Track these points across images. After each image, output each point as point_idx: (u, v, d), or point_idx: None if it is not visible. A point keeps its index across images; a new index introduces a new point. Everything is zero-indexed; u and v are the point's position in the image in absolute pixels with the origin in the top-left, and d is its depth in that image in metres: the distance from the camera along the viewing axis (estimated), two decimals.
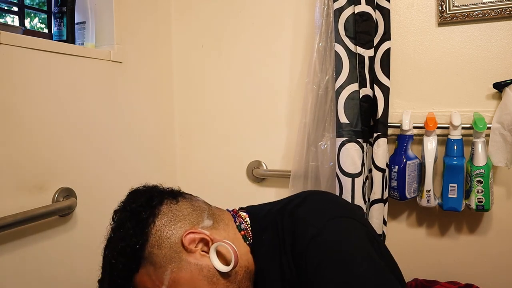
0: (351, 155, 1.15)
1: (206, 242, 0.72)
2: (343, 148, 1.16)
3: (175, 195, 0.78)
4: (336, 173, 1.18)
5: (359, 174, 1.15)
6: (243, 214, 0.81)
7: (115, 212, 0.77)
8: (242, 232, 0.78)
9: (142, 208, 0.73)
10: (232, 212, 0.82)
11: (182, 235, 0.71)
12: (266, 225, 0.77)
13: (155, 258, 0.70)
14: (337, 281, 0.63)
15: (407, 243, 1.30)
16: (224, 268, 0.71)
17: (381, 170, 1.18)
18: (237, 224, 0.79)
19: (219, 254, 0.72)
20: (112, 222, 0.76)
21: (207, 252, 0.72)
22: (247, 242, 0.77)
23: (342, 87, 1.17)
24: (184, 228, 0.72)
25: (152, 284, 0.70)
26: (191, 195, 0.82)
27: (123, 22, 1.29)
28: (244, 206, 0.87)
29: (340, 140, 1.17)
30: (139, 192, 0.78)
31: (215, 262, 0.71)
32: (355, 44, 1.18)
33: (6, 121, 0.95)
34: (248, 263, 0.75)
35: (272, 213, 0.78)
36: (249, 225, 0.79)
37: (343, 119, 1.17)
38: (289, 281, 0.70)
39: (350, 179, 1.15)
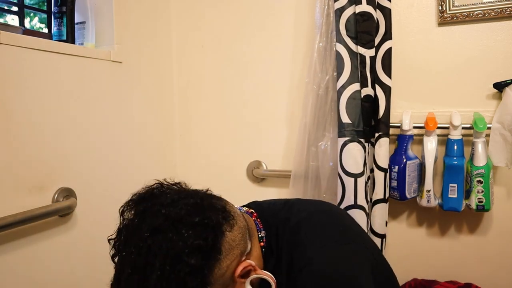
0: (354, 155, 1.15)
1: (248, 272, 0.71)
2: (345, 148, 1.16)
3: (228, 218, 0.70)
4: (339, 173, 1.17)
5: (362, 174, 1.15)
6: (258, 220, 0.80)
7: (180, 222, 0.65)
8: (261, 243, 0.77)
9: (205, 241, 0.65)
10: (253, 218, 0.80)
11: (235, 268, 0.69)
12: (271, 236, 0.77)
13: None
14: None
15: (407, 243, 1.30)
16: None
17: (383, 170, 1.18)
18: (259, 235, 0.78)
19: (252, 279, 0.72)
20: (177, 230, 0.64)
21: (245, 279, 0.71)
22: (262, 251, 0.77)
23: (344, 87, 1.17)
24: (236, 260, 0.69)
25: None
26: (233, 209, 0.74)
27: (123, 22, 1.29)
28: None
29: (342, 140, 1.17)
30: (196, 221, 0.66)
31: None
32: (356, 44, 1.18)
33: (6, 121, 0.94)
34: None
35: (277, 222, 0.77)
36: (265, 237, 0.78)
37: (345, 119, 1.16)
38: None
39: (353, 179, 1.15)
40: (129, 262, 0.63)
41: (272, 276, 0.71)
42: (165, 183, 0.74)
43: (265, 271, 0.72)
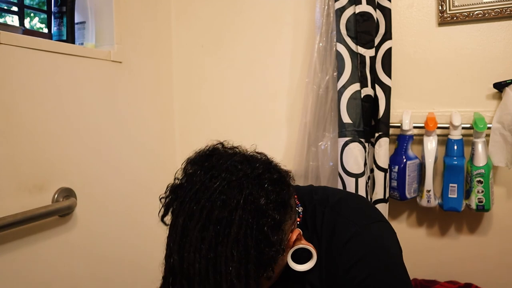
0: (355, 155, 1.15)
1: (294, 241, 0.70)
2: (346, 148, 1.16)
3: (290, 184, 0.72)
4: (339, 173, 1.17)
5: (362, 174, 1.15)
6: (296, 197, 0.78)
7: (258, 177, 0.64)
8: (298, 219, 0.76)
9: (284, 196, 0.66)
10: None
11: (291, 234, 0.69)
12: (307, 213, 0.77)
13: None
14: (371, 279, 0.66)
15: (407, 243, 1.28)
16: (300, 268, 0.70)
17: (383, 170, 1.18)
18: (297, 211, 0.77)
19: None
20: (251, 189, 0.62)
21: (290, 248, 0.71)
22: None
23: (345, 87, 1.17)
24: (292, 226, 0.70)
25: None
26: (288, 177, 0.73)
27: (123, 22, 1.29)
28: None
29: (343, 140, 1.17)
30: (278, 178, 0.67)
31: (291, 260, 0.70)
32: (356, 44, 1.18)
33: (6, 121, 0.94)
34: None
35: (314, 201, 0.78)
36: (302, 212, 0.77)
37: (346, 119, 1.16)
38: (316, 272, 0.72)
39: (354, 179, 1.15)
40: (201, 217, 0.60)
41: (315, 251, 0.71)
42: (225, 144, 0.74)
43: (310, 244, 0.72)
